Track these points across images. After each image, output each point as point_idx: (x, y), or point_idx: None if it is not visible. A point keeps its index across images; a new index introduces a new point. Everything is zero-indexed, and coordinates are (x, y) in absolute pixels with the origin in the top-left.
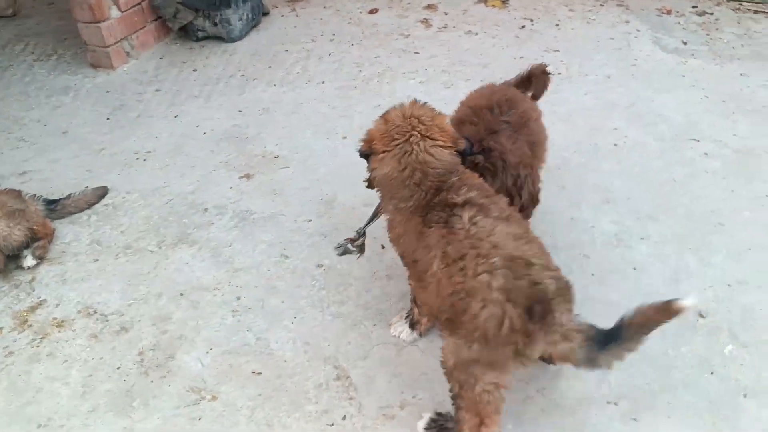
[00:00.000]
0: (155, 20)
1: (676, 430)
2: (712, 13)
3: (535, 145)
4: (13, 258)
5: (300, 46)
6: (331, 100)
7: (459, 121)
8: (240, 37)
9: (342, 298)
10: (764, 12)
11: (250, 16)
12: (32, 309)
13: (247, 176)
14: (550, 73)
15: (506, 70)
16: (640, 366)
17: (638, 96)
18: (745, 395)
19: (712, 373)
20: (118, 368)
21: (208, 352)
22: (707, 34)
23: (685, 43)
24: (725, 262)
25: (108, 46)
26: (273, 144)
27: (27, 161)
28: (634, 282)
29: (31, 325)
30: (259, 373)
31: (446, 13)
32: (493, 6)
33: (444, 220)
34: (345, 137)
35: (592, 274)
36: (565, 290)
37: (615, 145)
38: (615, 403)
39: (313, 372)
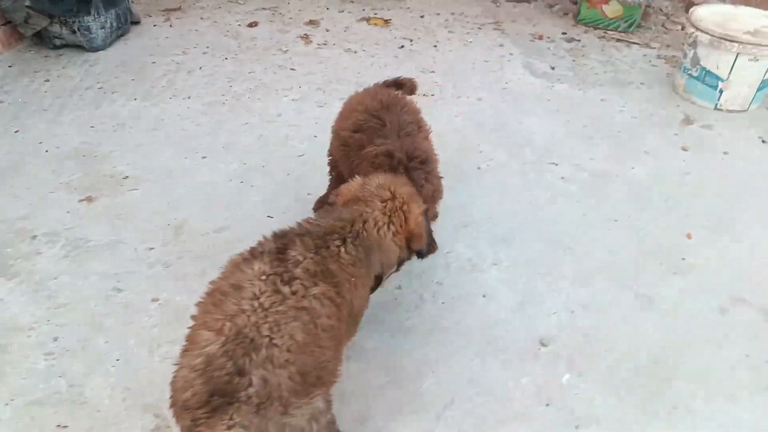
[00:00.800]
0: (4, 24)
1: None
2: (579, 40)
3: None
4: None
5: (170, 58)
6: (197, 116)
7: (358, 128)
8: (103, 47)
9: (176, 336)
10: (625, 41)
11: (114, 24)
12: None
13: (89, 199)
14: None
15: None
16: (480, 398)
17: (507, 118)
18: (577, 426)
19: (548, 404)
20: None
21: (8, 404)
22: (573, 60)
23: (553, 68)
24: (571, 286)
25: None
26: (125, 164)
27: None
28: (482, 309)
29: None
30: (65, 426)
31: (327, 30)
32: (375, 24)
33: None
34: (205, 157)
35: (443, 303)
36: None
37: (479, 168)
38: None
39: (130, 423)
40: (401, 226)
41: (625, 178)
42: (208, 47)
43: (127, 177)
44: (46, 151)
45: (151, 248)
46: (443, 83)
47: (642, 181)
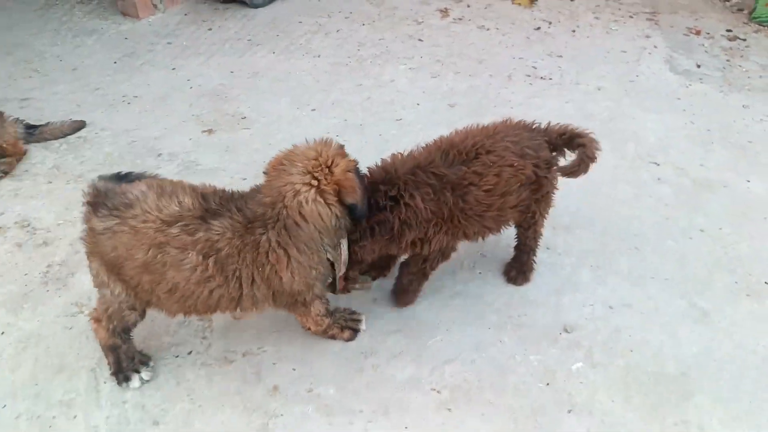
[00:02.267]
0: None
1: (481, 427)
2: (744, 39)
3: (468, 211)
4: None
5: (315, 20)
6: (319, 74)
7: (428, 151)
8: (262, 5)
9: None
10: None
11: None
12: None
13: (209, 131)
14: (594, 155)
15: (500, 68)
16: (482, 363)
17: (621, 112)
18: (569, 411)
19: (548, 384)
20: (26, 275)
21: None
22: (728, 60)
23: (699, 66)
24: (619, 284)
25: None
26: (246, 106)
27: (32, 90)
28: (516, 286)
29: None
30: None
31: (468, 6)
32: (519, 4)
33: None
34: (314, 110)
35: (479, 273)
36: None
37: None
38: (438, 391)
39: None
40: (327, 179)
41: (734, 191)
42: (351, 12)
43: (244, 117)
44: (190, 87)
45: (244, 179)
46: (566, 68)
47: (755, 198)
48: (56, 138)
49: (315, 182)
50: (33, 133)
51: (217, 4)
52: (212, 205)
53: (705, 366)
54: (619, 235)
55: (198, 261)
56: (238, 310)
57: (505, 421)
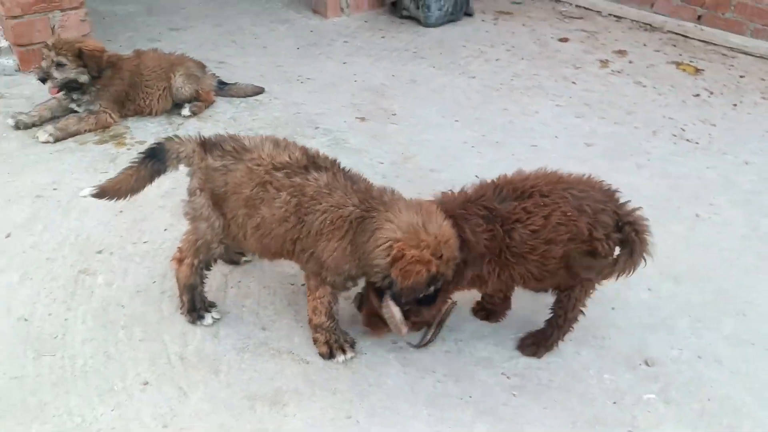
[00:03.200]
0: None
1: (541, 420)
2: None
3: (513, 249)
4: (178, 106)
5: (478, 47)
6: (471, 92)
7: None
8: (434, 25)
9: None
10: None
11: (450, 9)
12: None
13: (362, 119)
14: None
15: (647, 123)
16: (552, 366)
17: (765, 188)
18: (629, 431)
19: (615, 402)
20: None
21: None
22: None
23: None
24: (717, 341)
25: None
26: (399, 105)
27: (229, 56)
28: (605, 314)
29: None
30: None
31: (631, 62)
32: (684, 70)
33: None
34: (457, 121)
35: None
36: None
37: (697, 215)
38: (508, 377)
39: None
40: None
41: None
42: (513, 47)
43: (395, 114)
44: (355, 81)
45: (381, 162)
46: (717, 136)
47: None
48: (239, 97)
49: (426, 257)
50: (223, 88)
51: (395, 18)
52: (320, 163)
53: None
54: (729, 299)
55: (285, 200)
56: (287, 255)
57: (565, 421)
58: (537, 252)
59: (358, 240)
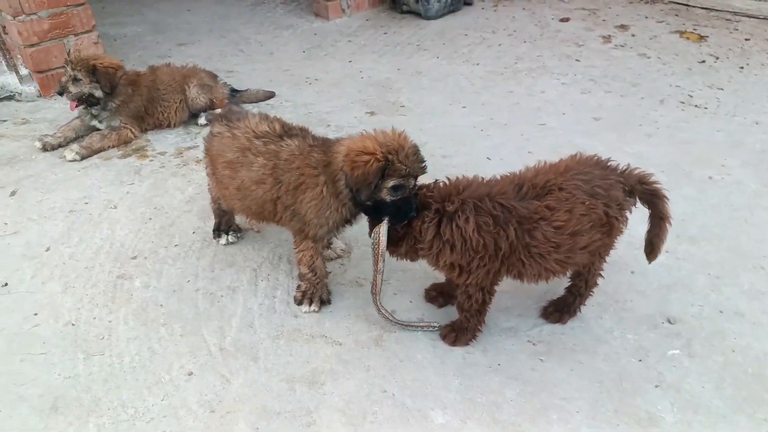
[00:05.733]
0: None
1: (568, 381)
2: None
3: (533, 249)
4: (194, 116)
5: (479, 34)
6: (475, 78)
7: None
8: (434, 17)
9: None
10: None
11: (448, 0)
12: (188, 149)
13: (371, 113)
14: (666, 225)
15: (653, 92)
16: (576, 330)
17: None
18: (657, 386)
19: (640, 360)
20: None
21: None
22: None
23: None
24: (736, 295)
25: (329, 1)
26: (405, 97)
27: (237, 65)
28: (624, 279)
29: (182, 156)
30: None
31: (633, 35)
32: (687, 38)
33: None
34: (464, 107)
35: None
36: None
37: (710, 177)
38: (534, 344)
39: None
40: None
41: None
42: (514, 31)
43: (402, 106)
44: (361, 77)
45: None
46: (724, 100)
47: None
48: (251, 102)
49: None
50: (235, 95)
51: (395, 14)
52: (294, 132)
53: None
54: (745, 254)
55: (262, 164)
56: (270, 217)
57: (592, 380)
58: (562, 248)
59: (327, 172)
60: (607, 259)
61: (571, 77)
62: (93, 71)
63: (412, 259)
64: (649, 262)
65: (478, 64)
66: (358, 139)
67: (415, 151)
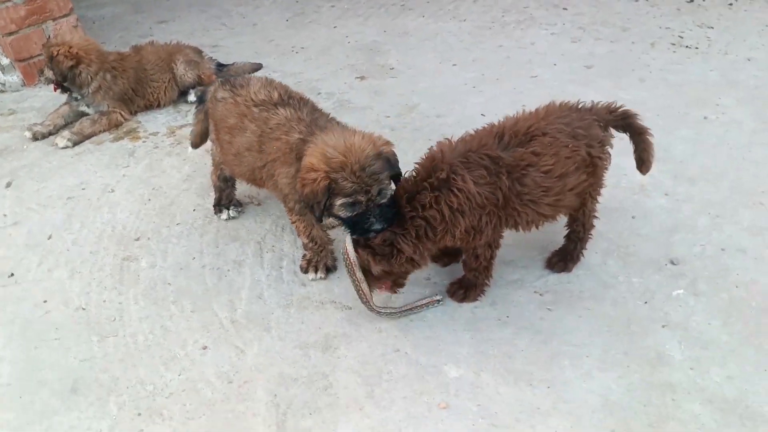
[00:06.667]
0: None
1: (577, 328)
2: None
3: (524, 196)
4: (183, 94)
5: None
6: (463, 35)
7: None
8: None
9: None
10: None
11: None
12: (180, 127)
13: (362, 78)
14: (647, 138)
15: (644, 36)
16: (581, 278)
17: None
18: (664, 326)
19: (646, 302)
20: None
21: None
22: None
23: None
24: (738, 232)
25: None
26: (394, 59)
27: (222, 39)
28: (626, 224)
29: (174, 135)
30: None
31: None
32: None
33: None
34: (455, 65)
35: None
36: None
37: (705, 117)
38: (541, 294)
39: None
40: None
41: None
42: None
43: (392, 68)
44: (348, 42)
45: (388, 116)
46: (715, 39)
47: None
48: (239, 75)
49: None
50: (222, 69)
51: None
52: (290, 102)
53: None
54: (745, 191)
55: (252, 130)
56: (262, 184)
57: (600, 324)
58: (552, 192)
59: (299, 160)
60: (608, 205)
61: (560, 27)
62: (50, 59)
63: (409, 272)
64: (643, 174)
65: (465, 20)
66: (313, 149)
67: (366, 164)
